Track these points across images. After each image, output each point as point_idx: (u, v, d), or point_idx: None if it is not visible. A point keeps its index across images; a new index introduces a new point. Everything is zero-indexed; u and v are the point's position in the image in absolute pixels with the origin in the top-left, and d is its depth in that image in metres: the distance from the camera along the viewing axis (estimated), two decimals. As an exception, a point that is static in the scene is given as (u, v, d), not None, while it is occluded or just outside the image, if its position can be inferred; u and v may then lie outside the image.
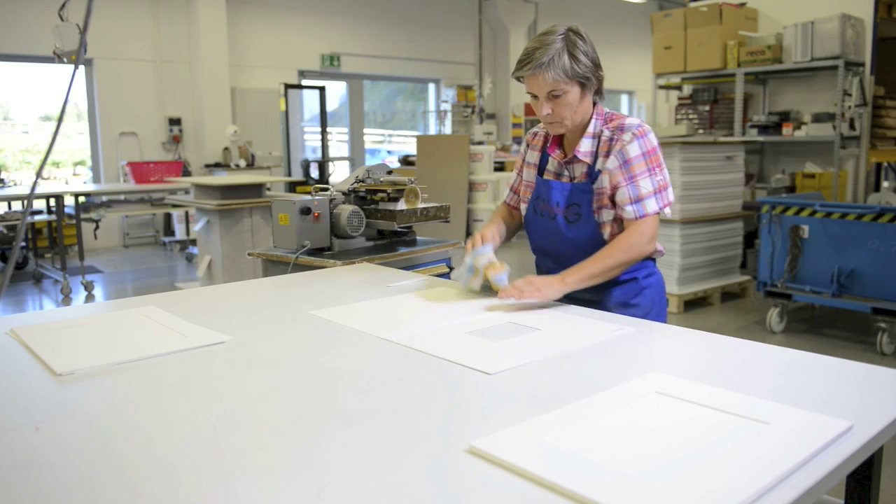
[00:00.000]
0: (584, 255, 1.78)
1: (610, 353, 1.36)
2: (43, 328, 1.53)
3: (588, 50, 1.72)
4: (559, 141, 1.88)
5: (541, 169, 1.94)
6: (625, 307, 1.81)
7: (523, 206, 1.98)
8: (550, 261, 1.92)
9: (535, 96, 1.75)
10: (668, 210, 1.78)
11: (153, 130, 8.74)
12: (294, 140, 10.13)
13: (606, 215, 1.79)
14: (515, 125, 11.73)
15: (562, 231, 1.84)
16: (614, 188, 1.76)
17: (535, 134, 1.99)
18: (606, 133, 1.79)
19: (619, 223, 1.80)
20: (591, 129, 1.80)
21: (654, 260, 1.91)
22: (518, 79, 1.77)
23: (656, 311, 1.85)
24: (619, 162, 1.74)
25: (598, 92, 1.80)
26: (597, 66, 1.74)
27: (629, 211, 1.75)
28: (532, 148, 1.98)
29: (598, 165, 1.79)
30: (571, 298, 1.76)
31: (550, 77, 1.68)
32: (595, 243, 1.79)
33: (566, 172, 1.87)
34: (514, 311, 1.65)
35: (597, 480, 0.82)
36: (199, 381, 1.21)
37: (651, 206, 1.74)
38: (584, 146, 1.80)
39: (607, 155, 1.77)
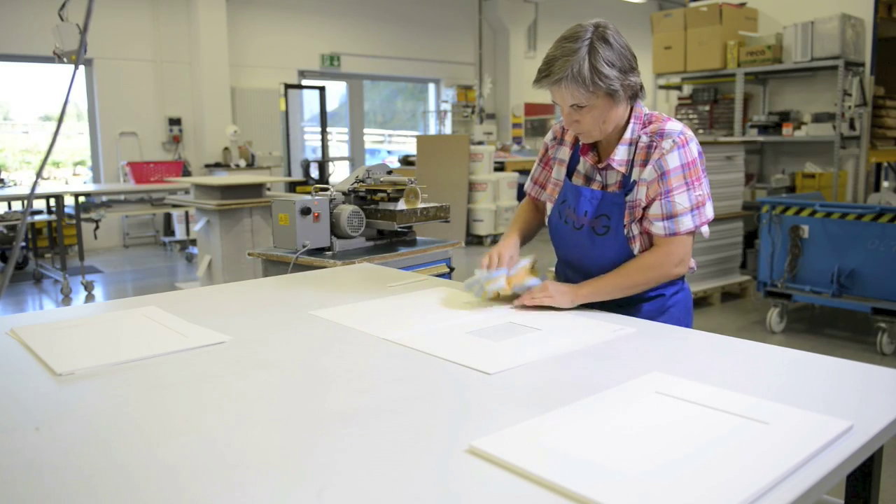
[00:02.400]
0: (609, 269, 1.68)
1: (610, 353, 1.36)
2: (43, 328, 1.53)
3: (613, 58, 1.53)
4: (592, 143, 1.72)
5: (570, 169, 1.77)
6: None
7: (549, 206, 1.84)
8: (572, 271, 1.81)
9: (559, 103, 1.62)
10: (705, 229, 1.64)
11: (153, 130, 8.74)
12: (294, 140, 10.13)
13: (637, 229, 1.66)
14: (515, 125, 11.74)
15: (588, 243, 1.70)
16: (650, 201, 1.62)
17: (566, 128, 1.79)
18: (644, 139, 1.63)
19: (649, 238, 1.66)
20: (627, 134, 1.64)
21: (682, 277, 1.78)
22: None
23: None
24: (658, 173, 1.59)
25: (635, 96, 1.63)
26: (626, 72, 1.56)
27: (660, 227, 1.61)
28: (562, 143, 1.80)
29: (634, 175, 1.64)
30: (598, 305, 1.69)
31: (569, 93, 1.53)
32: (622, 258, 1.68)
33: (598, 178, 1.72)
34: (516, 312, 1.65)
35: (597, 480, 0.82)
36: (200, 381, 1.21)
37: (685, 224, 1.59)
38: (620, 154, 1.65)
39: (644, 164, 1.62)
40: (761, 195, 5.82)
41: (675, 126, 1.62)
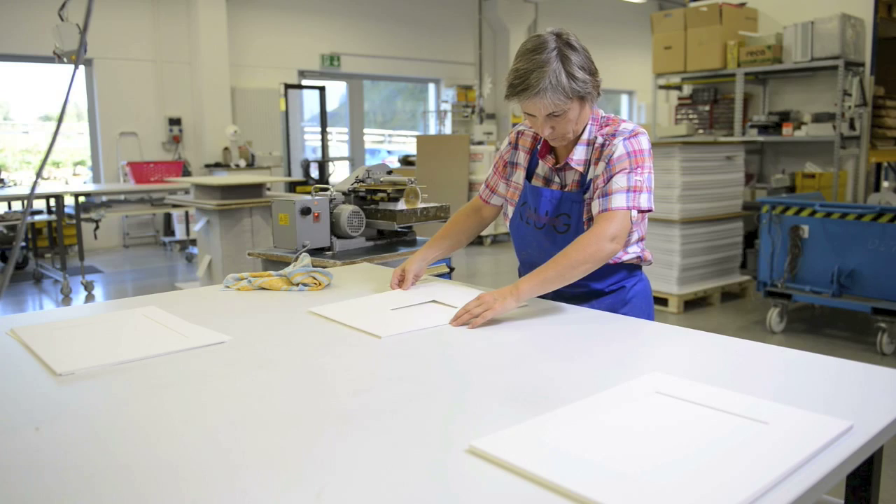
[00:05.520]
0: None
1: (610, 353, 1.36)
2: (43, 328, 1.53)
3: (582, 61, 1.60)
4: (549, 145, 1.79)
5: (529, 172, 1.84)
6: None
7: (510, 209, 1.88)
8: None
9: (531, 114, 1.65)
10: (635, 213, 1.63)
11: (153, 130, 8.74)
12: (294, 140, 10.13)
13: None
14: (515, 125, 11.70)
15: (549, 241, 1.75)
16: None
17: (521, 133, 1.87)
18: (600, 140, 1.70)
19: None
20: (585, 135, 1.72)
21: (640, 267, 1.84)
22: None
23: (643, 319, 1.79)
24: (605, 164, 1.66)
25: (598, 95, 1.70)
26: (593, 74, 1.63)
27: (595, 205, 1.65)
28: (520, 149, 1.87)
29: (590, 174, 1.71)
30: (559, 299, 1.75)
31: (550, 102, 1.58)
32: None
33: (557, 179, 1.78)
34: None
35: (597, 480, 0.82)
36: (199, 381, 1.21)
37: (617, 201, 1.61)
38: (578, 154, 1.71)
39: (598, 162, 1.69)
40: (761, 195, 5.82)
41: (628, 125, 1.69)
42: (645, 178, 1.65)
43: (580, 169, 1.72)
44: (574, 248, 1.59)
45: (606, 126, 1.71)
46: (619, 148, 1.64)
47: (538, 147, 1.81)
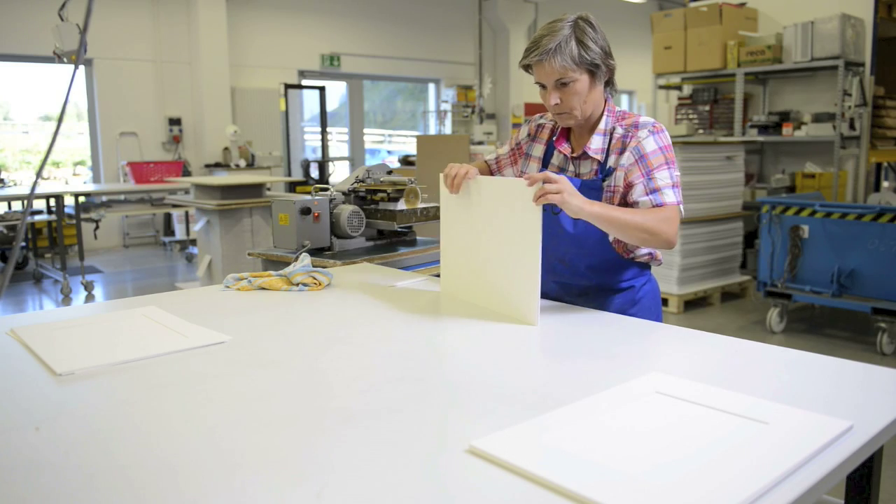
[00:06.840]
0: (588, 253, 1.74)
1: (610, 353, 1.36)
2: (43, 328, 1.53)
3: (598, 38, 1.67)
4: (566, 135, 1.81)
5: (544, 163, 1.87)
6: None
7: None
8: (549, 257, 1.81)
9: (542, 86, 1.69)
10: (682, 209, 1.67)
11: (153, 130, 8.74)
12: (294, 140, 10.13)
13: None
14: (515, 125, 11.73)
15: (565, 228, 1.75)
16: (629, 186, 1.68)
17: (541, 126, 1.90)
18: (619, 130, 1.72)
19: None
20: (602, 125, 1.74)
21: (650, 267, 1.85)
22: (526, 68, 1.69)
23: (652, 319, 1.80)
24: (636, 157, 1.67)
25: (610, 83, 1.74)
26: (607, 53, 1.68)
27: (646, 201, 1.65)
28: (537, 140, 1.90)
29: (611, 163, 1.72)
30: (570, 300, 1.76)
31: (558, 64, 1.61)
32: (600, 242, 1.72)
33: (571, 168, 1.80)
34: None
35: (597, 480, 0.82)
36: (199, 381, 1.21)
37: (669, 196, 1.64)
38: (595, 143, 1.73)
39: (621, 152, 1.70)
40: (761, 195, 5.82)
41: (648, 119, 1.73)
42: (678, 174, 1.70)
43: (598, 157, 1.74)
44: (651, 218, 1.59)
45: (624, 119, 1.74)
46: (650, 142, 1.67)
47: (554, 137, 1.84)
